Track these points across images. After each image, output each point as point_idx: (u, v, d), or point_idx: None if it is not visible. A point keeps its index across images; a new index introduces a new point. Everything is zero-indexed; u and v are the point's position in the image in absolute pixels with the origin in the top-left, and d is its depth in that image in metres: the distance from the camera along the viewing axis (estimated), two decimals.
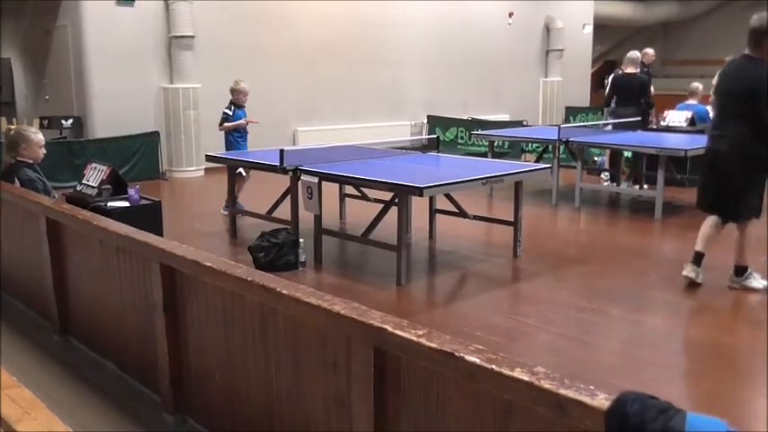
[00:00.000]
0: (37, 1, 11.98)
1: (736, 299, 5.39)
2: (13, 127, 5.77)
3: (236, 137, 8.09)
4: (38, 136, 5.23)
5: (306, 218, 6.41)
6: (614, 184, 9.83)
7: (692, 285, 5.51)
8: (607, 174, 10.22)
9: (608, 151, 10.05)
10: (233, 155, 7.72)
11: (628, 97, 10.07)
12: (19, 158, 5.10)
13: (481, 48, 15.28)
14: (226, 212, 8.01)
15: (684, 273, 5.51)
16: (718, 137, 5.36)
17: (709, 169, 5.47)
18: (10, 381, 3.25)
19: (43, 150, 5.24)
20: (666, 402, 1.55)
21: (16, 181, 4.99)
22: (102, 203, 5.36)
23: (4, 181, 5.07)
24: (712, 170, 5.41)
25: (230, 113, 8.02)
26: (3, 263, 5.26)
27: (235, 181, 7.58)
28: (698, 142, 8.80)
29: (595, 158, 11.22)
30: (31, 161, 5.14)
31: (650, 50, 11.55)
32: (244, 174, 7.85)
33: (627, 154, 9.76)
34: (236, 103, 8.07)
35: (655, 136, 9.53)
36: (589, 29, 18.16)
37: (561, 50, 16.95)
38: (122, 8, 10.76)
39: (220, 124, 8.01)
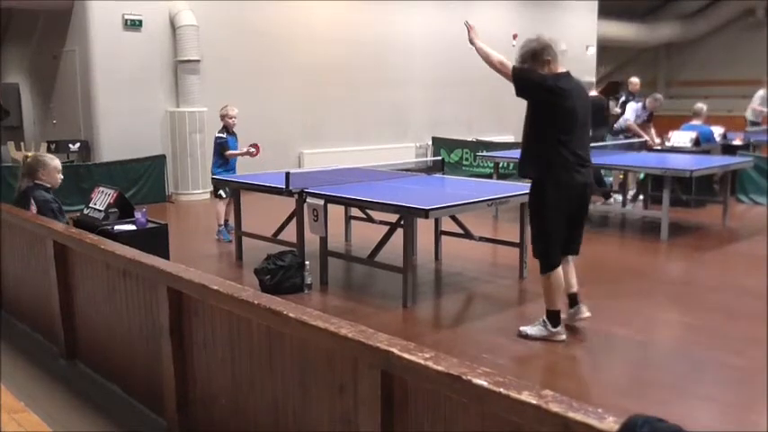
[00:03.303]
0: (45, 26, 12.12)
1: (742, 319, 5.36)
2: (30, 154, 5.83)
3: (226, 160, 8.11)
4: (55, 161, 5.31)
5: (312, 240, 6.42)
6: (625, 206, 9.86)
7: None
8: (617, 197, 10.20)
9: (620, 174, 10.05)
10: (239, 178, 7.75)
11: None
12: (36, 181, 5.14)
13: (485, 69, 15.32)
14: (217, 237, 8.09)
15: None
16: (589, 168, 4.87)
17: (583, 207, 4.91)
18: (16, 405, 3.25)
19: (60, 176, 5.31)
20: (675, 425, 1.54)
21: (32, 202, 5.01)
22: (110, 227, 5.38)
23: (18, 204, 5.10)
24: (585, 207, 4.94)
25: (224, 137, 8.04)
26: (9, 286, 5.28)
27: (226, 203, 7.98)
28: (703, 162, 8.84)
29: None
30: (48, 185, 5.18)
31: (635, 79, 11.71)
32: (224, 195, 7.99)
33: (640, 175, 9.75)
34: (227, 128, 8.10)
35: (660, 156, 9.54)
36: (592, 50, 18.25)
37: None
38: (130, 33, 10.87)
39: (223, 151, 8.03)
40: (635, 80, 11.60)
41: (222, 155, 7.97)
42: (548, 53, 4.79)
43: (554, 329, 4.89)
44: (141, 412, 3.65)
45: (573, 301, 5.12)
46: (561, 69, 4.80)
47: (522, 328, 5.01)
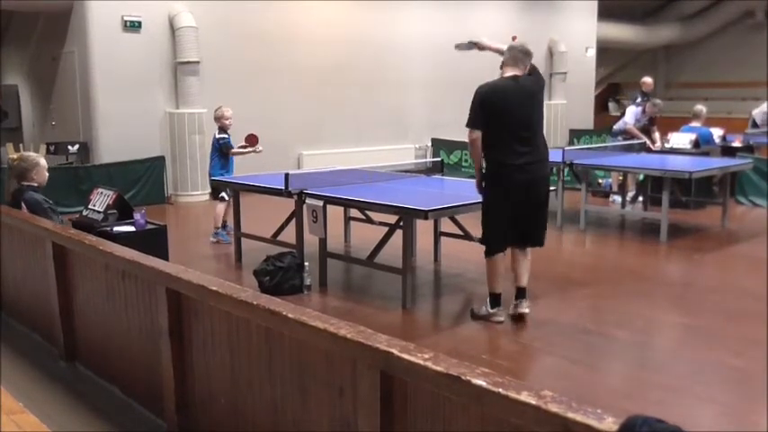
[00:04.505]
0: (44, 28, 12.12)
1: (742, 320, 5.36)
2: (15, 156, 5.84)
3: (226, 162, 8.12)
4: (43, 160, 5.34)
5: (311, 241, 6.41)
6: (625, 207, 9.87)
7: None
8: (617, 198, 10.21)
9: (620, 175, 10.06)
10: (237, 178, 7.74)
11: None
12: (25, 183, 5.14)
13: (485, 70, 15.28)
14: (215, 239, 8.07)
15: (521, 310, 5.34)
16: (539, 162, 5.16)
17: (530, 203, 5.17)
18: (15, 406, 3.24)
19: (47, 174, 5.33)
20: (675, 426, 1.54)
21: (23, 205, 5.01)
22: (108, 228, 5.38)
23: (10, 206, 5.10)
24: (540, 201, 5.24)
25: (227, 137, 8.04)
26: (9, 288, 5.27)
27: (226, 205, 7.93)
28: (703, 164, 8.84)
29: (600, 180, 11.23)
30: (36, 185, 5.18)
31: (648, 79, 11.63)
32: (226, 198, 7.97)
33: (640, 177, 9.76)
34: (223, 129, 8.08)
35: (659, 158, 9.55)
36: (592, 52, 18.26)
37: (564, 73, 17.03)
38: (129, 34, 10.87)
39: (228, 148, 8.02)
40: (648, 80, 11.48)
41: (225, 156, 7.96)
42: (507, 56, 5.25)
43: (491, 310, 5.34)
44: (140, 413, 3.65)
45: (519, 294, 5.40)
46: (511, 73, 5.17)
47: (473, 307, 5.52)
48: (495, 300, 5.34)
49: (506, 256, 5.38)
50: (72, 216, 6.19)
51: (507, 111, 5.05)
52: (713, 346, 4.93)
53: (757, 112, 12.91)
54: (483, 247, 7.09)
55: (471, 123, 5.10)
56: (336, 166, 8.42)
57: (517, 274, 5.39)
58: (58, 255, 4.29)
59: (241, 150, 8.11)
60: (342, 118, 13.31)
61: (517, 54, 5.20)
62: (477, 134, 5.06)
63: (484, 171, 5.20)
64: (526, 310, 5.35)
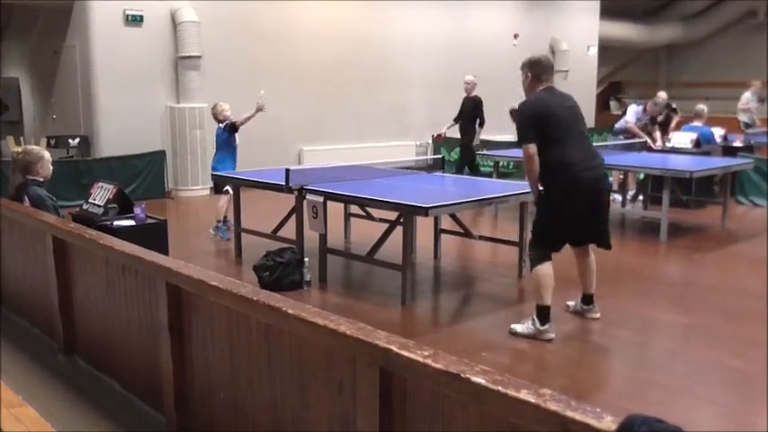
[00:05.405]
0: (45, 22, 12.11)
1: (742, 320, 5.36)
2: (20, 149, 5.82)
3: (232, 156, 8.14)
4: (47, 153, 5.33)
5: (311, 237, 6.41)
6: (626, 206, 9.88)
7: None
8: (617, 197, 10.21)
9: (620, 174, 10.05)
10: (238, 174, 7.74)
11: (468, 116, 11.12)
12: (30, 177, 5.13)
13: (486, 68, 15.30)
14: (214, 233, 8.06)
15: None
16: (599, 166, 5.15)
17: (603, 199, 5.15)
18: (14, 399, 3.25)
19: (51, 167, 5.32)
20: (674, 426, 1.54)
21: (26, 199, 5.01)
22: (109, 222, 5.37)
23: (13, 200, 5.09)
24: (604, 198, 5.18)
25: (231, 120, 8.07)
26: (9, 281, 5.27)
27: (228, 199, 7.89)
28: (703, 164, 8.84)
29: None
30: (41, 179, 5.18)
31: (663, 94, 11.51)
32: (230, 191, 7.95)
33: (640, 176, 9.76)
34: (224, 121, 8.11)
35: (660, 157, 9.55)
36: (594, 50, 18.24)
37: (566, 72, 17.00)
38: (130, 28, 10.86)
39: (235, 126, 8.03)
40: (663, 95, 11.27)
41: (232, 145, 7.98)
42: (538, 71, 5.13)
43: (541, 327, 4.92)
44: (140, 408, 3.65)
45: (586, 300, 5.41)
46: (544, 86, 5.11)
47: (512, 326, 5.06)
48: (545, 314, 4.94)
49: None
50: (72, 210, 6.19)
51: (556, 117, 4.98)
52: (713, 346, 4.93)
53: (743, 103, 13.07)
54: (482, 245, 7.13)
55: (525, 138, 4.94)
56: (337, 162, 8.42)
57: (585, 281, 5.37)
58: (59, 249, 4.28)
59: (247, 117, 8.07)
60: (343, 114, 13.31)
61: (547, 68, 5.21)
62: (534, 147, 4.90)
63: (542, 178, 5.01)
64: (596, 315, 5.36)
